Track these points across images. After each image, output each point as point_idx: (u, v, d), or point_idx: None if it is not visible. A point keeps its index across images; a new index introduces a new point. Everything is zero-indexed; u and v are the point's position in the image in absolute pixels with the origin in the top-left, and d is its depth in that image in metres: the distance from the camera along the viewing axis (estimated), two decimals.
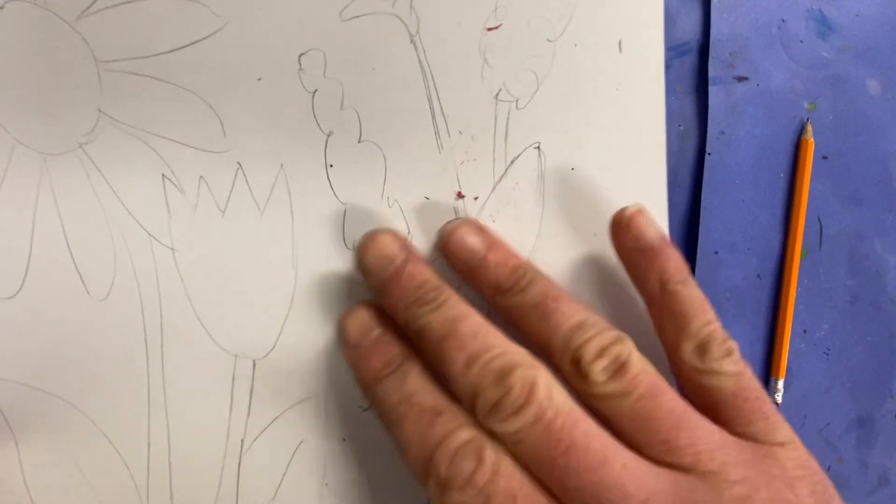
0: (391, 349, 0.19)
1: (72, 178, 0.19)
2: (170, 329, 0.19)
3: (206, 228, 0.20)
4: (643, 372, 0.19)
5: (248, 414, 0.20)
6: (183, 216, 0.19)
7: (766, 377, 0.35)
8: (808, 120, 0.36)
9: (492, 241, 0.20)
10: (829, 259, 0.36)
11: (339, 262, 0.20)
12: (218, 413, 0.20)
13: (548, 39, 0.20)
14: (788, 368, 0.35)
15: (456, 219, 0.20)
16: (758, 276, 0.36)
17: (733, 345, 0.21)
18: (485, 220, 0.21)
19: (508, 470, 0.18)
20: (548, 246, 0.21)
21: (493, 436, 0.18)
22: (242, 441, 0.20)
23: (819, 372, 0.35)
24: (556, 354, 0.19)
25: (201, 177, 0.20)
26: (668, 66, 0.38)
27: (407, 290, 0.19)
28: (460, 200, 0.20)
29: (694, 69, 0.38)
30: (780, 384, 0.34)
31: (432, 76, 0.20)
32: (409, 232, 0.21)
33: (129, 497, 0.19)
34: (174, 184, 0.19)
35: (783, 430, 0.21)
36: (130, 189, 0.19)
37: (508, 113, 0.20)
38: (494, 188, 0.20)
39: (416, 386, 0.19)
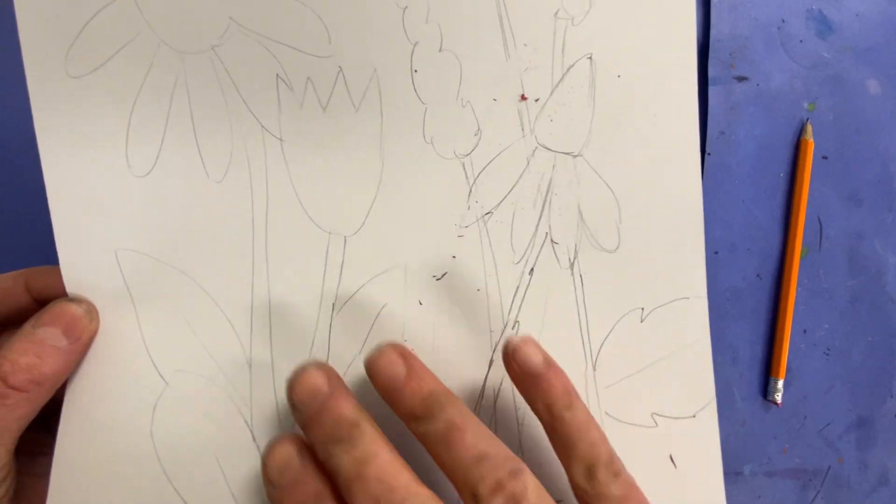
0: (307, 489, 0.20)
1: (203, 74, 0.23)
2: (274, 208, 0.23)
3: (309, 123, 0.23)
4: None
5: (339, 282, 0.23)
6: (291, 111, 0.23)
7: (766, 377, 0.36)
8: (808, 120, 0.37)
9: (412, 367, 0.22)
10: (829, 259, 0.37)
11: (420, 153, 0.24)
12: (313, 281, 0.23)
13: None
14: (788, 368, 0.36)
15: (382, 343, 0.22)
16: (758, 276, 0.37)
17: (619, 465, 0.22)
18: (543, 119, 0.24)
19: None
20: (596, 141, 0.24)
21: None
22: (334, 304, 0.23)
23: (819, 372, 0.36)
24: (459, 487, 0.21)
25: (308, 78, 0.23)
26: None
27: (324, 426, 0.20)
28: (524, 102, 0.24)
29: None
30: (780, 384, 0.35)
31: None
32: (478, 130, 0.24)
33: (234, 351, 0.23)
34: (286, 83, 0.23)
35: None
36: (249, 86, 0.23)
37: (565, 29, 0.24)
38: (553, 91, 0.24)
39: None
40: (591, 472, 0.21)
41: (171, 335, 0.22)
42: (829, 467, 0.36)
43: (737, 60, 0.39)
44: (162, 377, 0.22)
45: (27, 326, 0.21)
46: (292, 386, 0.21)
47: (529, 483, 0.20)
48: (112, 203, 0.22)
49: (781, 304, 0.36)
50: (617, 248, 0.24)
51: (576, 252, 0.24)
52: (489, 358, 0.24)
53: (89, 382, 0.22)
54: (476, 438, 0.21)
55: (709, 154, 0.38)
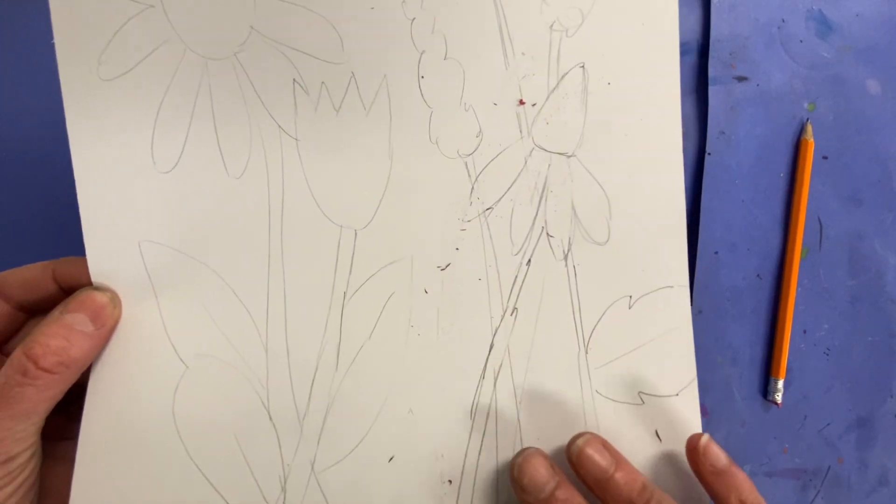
0: None
1: (225, 78, 0.25)
2: (289, 203, 0.25)
3: (323, 124, 0.26)
4: None
5: (350, 272, 0.26)
6: (306, 113, 0.25)
7: (766, 377, 0.36)
8: (808, 120, 0.38)
9: (619, 459, 0.25)
10: (829, 259, 0.37)
11: (425, 153, 0.26)
12: (326, 271, 0.26)
13: None
14: (788, 368, 0.36)
15: (584, 433, 0.26)
16: (758, 276, 0.37)
17: None
18: (540, 122, 0.27)
19: None
20: (588, 142, 0.27)
21: None
22: (345, 293, 0.26)
23: (819, 372, 0.36)
24: None
25: (323, 82, 0.25)
26: None
27: None
28: (522, 106, 0.26)
29: (694, 69, 0.39)
30: (780, 384, 0.36)
31: (503, 10, 0.26)
32: (479, 131, 0.26)
33: (251, 336, 0.25)
34: (302, 87, 0.25)
35: None
36: (268, 89, 0.25)
37: (560, 40, 0.26)
38: (548, 97, 0.26)
39: None
40: None
41: (191, 322, 0.25)
42: (829, 467, 0.36)
43: (737, 60, 0.39)
44: (182, 361, 0.24)
45: (56, 312, 0.23)
46: (521, 469, 0.25)
47: None
48: (137, 198, 0.25)
49: (781, 304, 0.36)
50: (607, 241, 0.26)
51: (569, 245, 0.26)
52: (490, 342, 0.27)
53: (113, 366, 0.24)
54: None
55: (709, 154, 0.38)
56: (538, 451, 0.25)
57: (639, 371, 0.26)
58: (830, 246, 0.38)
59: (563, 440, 0.27)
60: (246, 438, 0.24)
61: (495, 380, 0.26)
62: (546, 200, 0.25)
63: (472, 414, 0.26)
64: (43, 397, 0.22)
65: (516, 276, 0.25)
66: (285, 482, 0.24)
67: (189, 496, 0.24)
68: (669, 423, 0.26)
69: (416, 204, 0.25)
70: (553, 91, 0.26)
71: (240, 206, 0.25)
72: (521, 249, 0.26)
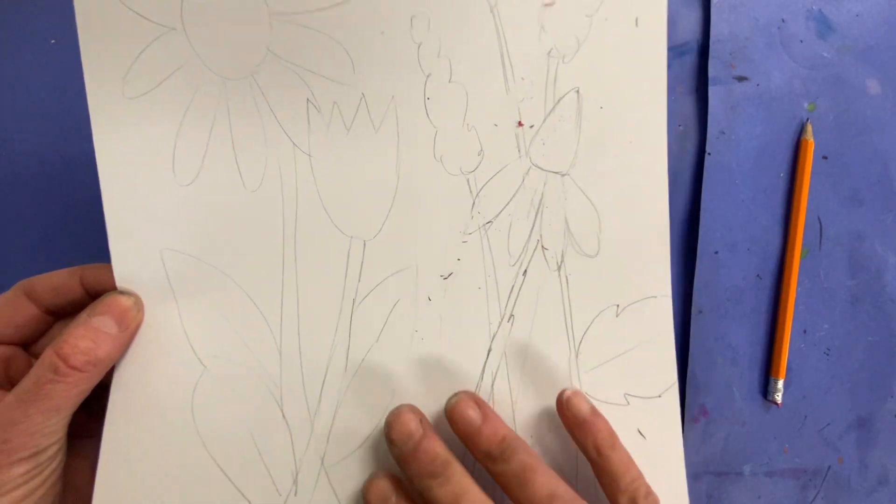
0: None
1: (242, 97, 0.27)
2: (302, 215, 0.27)
3: (334, 141, 0.27)
4: None
5: (359, 280, 0.28)
6: (319, 131, 0.27)
7: (766, 377, 0.36)
8: (808, 120, 0.38)
9: (486, 414, 0.27)
10: (829, 259, 0.38)
11: (430, 170, 0.28)
12: (336, 279, 0.28)
13: (586, 15, 0.28)
14: (788, 368, 0.37)
15: (458, 392, 0.28)
16: (758, 276, 0.37)
17: (655, 497, 0.27)
18: (537, 143, 0.29)
19: None
20: (581, 162, 0.29)
21: None
22: (354, 300, 0.28)
23: (819, 372, 0.37)
24: None
25: (335, 102, 0.27)
26: (668, 66, 0.39)
27: (421, 464, 0.25)
28: (520, 128, 0.28)
29: (694, 69, 0.40)
30: (780, 384, 0.36)
31: (504, 37, 0.28)
32: (481, 150, 0.29)
33: (265, 339, 0.27)
34: (315, 106, 0.27)
35: None
36: (283, 108, 0.27)
37: (557, 66, 0.28)
38: (545, 119, 0.28)
39: None
40: (633, 502, 0.26)
41: (209, 325, 0.26)
42: (829, 467, 0.37)
43: (737, 60, 0.39)
44: (201, 362, 0.26)
45: (83, 315, 0.25)
46: (390, 426, 0.26)
47: None
48: (159, 208, 0.27)
49: (781, 304, 0.37)
50: (597, 253, 0.28)
51: (562, 257, 0.28)
52: (488, 346, 0.28)
53: (135, 366, 0.26)
54: (546, 478, 0.25)
55: (709, 154, 0.38)
56: (409, 407, 0.27)
57: (624, 374, 0.29)
58: (830, 246, 0.38)
59: (556, 439, 0.29)
60: (260, 435, 0.26)
61: (493, 382, 0.28)
62: (542, 215, 0.27)
63: None
64: (71, 394, 0.23)
65: (513, 286, 0.28)
66: (297, 475, 0.26)
67: (206, 489, 0.26)
68: (652, 423, 0.29)
69: (421, 217, 0.28)
70: (549, 114, 0.28)
71: (256, 218, 0.27)
72: (517, 260, 0.28)
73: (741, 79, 0.39)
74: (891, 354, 0.39)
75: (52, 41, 0.40)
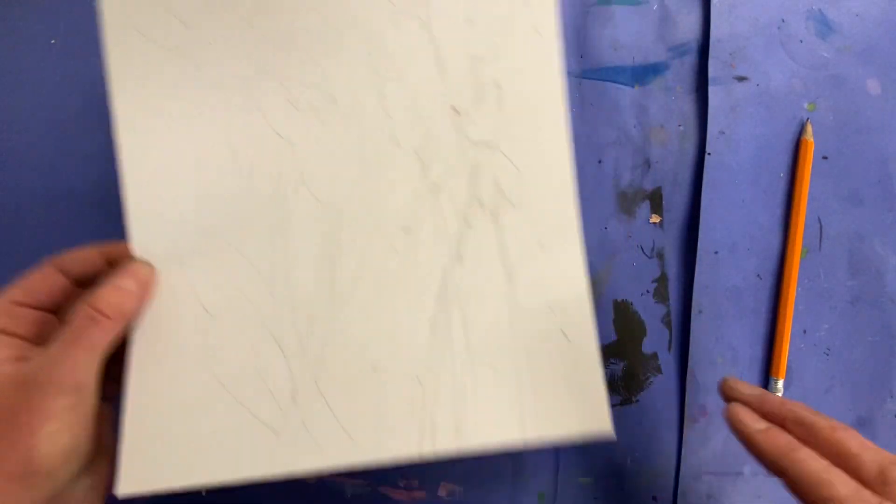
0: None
1: (243, 108, 0.32)
2: (290, 195, 0.32)
3: (312, 129, 0.33)
4: None
5: (340, 235, 0.32)
6: (301, 121, 0.32)
7: (766, 377, 0.36)
8: (808, 120, 0.38)
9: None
10: (829, 259, 0.38)
11: (388, 149, 0.32)
12: (319, 238, 0.32)
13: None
14: (788, 368, 0.37)
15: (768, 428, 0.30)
16: (758, 276, 0.38)
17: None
18: (469, 123, 0.33)
19: None
20: (504, 134, 0.33)
21: None
22: (333, 253, 0.32)
23: (819, 372, 0.37)
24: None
25: (311, 102, 0.33)
26: (668, 66, 0.40)
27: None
28: (456, 113, 0.33)
29: (694, 69, 0.40)
30: (780, 384, 0.36)
31: (438, 45, 0.33)
32: (426, 132, 0.33)
33: (261, 290, 0.31)
34: (294, 107, 0.32)
35: None
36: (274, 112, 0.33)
37: (482, 64, 0.33)
38: (475, 104, 0.33)
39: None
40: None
41: (213, 283, 0.31)
42: None
43: (737, 60, 0.39)
44: (209, 312, 0.31)
45: (109, 279, 0.29)
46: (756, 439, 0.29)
47: None
48: (168, 189, 0.31)
49: (781, 304, 0.37)
50: (522, 203, 0.33)
51: (497, 209, 0.33)
52: (443, 282, 0.33)
53: (154, 320, 0.30)
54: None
55: (709, 154, 0.39)
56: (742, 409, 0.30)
57: (549, 289, 0.33)
58: (830, 246, 0.38)
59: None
60: (268, 376, 0.30)
61: (448, 310, 0.33)
62: (478, 179, 0.33)
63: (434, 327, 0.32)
64: (105, 338, 0.28)
65: (461, 233, 0.33)
66: (295, 395, 0.30)
67: (223, 416, 0.30)
68: (572, 325, 0.33)
69: (385, 186, 0.32)
70: (479, 101, 0.33)
71: (252, 195, 0.32)
72: (464, 215, 0.33)
73: (741, 79, 0.40)
74: (891, 354, 0.39)
75: (52, 41, 0.40)
